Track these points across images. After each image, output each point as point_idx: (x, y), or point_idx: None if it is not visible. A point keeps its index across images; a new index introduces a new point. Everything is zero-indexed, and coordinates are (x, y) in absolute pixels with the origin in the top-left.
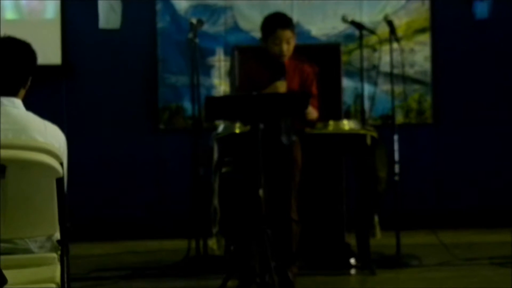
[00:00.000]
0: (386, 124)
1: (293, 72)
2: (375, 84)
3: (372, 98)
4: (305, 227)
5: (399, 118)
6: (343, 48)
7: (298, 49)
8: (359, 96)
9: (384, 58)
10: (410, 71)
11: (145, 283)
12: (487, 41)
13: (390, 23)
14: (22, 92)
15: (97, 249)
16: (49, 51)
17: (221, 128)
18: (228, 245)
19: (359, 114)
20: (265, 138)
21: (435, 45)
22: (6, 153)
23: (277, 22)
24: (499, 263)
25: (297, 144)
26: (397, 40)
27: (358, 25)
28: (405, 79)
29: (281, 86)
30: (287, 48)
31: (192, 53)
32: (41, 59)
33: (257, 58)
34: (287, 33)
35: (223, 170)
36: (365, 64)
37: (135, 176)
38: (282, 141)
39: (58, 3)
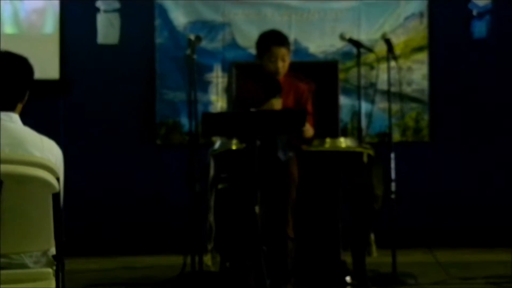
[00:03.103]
0: (382, 142)
1: (288, 90)
2: (372, 102)
3: (369, 116)
4: (301, 245)
5: (396, 136)
6: (340, 66)
7: (295, 66)
8: (356, 114)
9: (382, 76)
10: (407, 89)
11: None
12: (484, 60)
13: (388, 41)
14: (19, 106)
15: (93, 264)
16: (47, 65)
17: (217, 144)
18: (223, 261)
19: (356, 131)
20: (262, 155)
21: (433, 64)
22: (3, 168)
23: (272, 40)
24: (495, 283)
25: (294, 161)
26: (395, 58)
27: (356, 43)
28: (402, 97)
29: (277, 104)
30: (282, 65)
31: (190, 69)
32: (39, 74)
33: (252, 75)
34: (282, 51)
35: (219, 186)
36: (363, 81)
37: (131, 191)
38: (279, 157)
39: (57, 17)
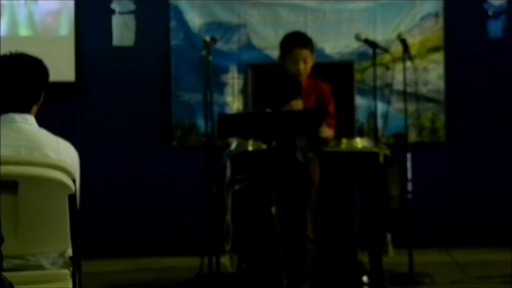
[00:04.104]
0: (399, 142)
1: (310, 91)
2: (388, 102)
3: (385, 117)
4: (318, 245)
5: (412, 137)
6: (356, 66)
7: (312, 67)
8: (372, 114)
9: (398, 76)
10: (423, 90)
11: None
12: (501, 60)
13: (403, 42)
14: (35, 108)
15: (110, 266)
16: (62, 68)
17: (234, 145)
18: (240, 262)
19: (372, 132)
20: (281, 156)
21: (449, 64)
22: (19, 169)
23: (294, 41)
24: (511, 282)
25: (315, 162)
26: (411, 58)
27: (372, 44)
28: (418, 97)
29: (296, 105)
30: (304, 67)
31: (206, 71)
32: (55, 76)
33: (273, 76)
34: (304, 52)
35: (236, 187)
36: (379, 82)
37: (147, 193)
38: (298, 158)
39: (72, 20)
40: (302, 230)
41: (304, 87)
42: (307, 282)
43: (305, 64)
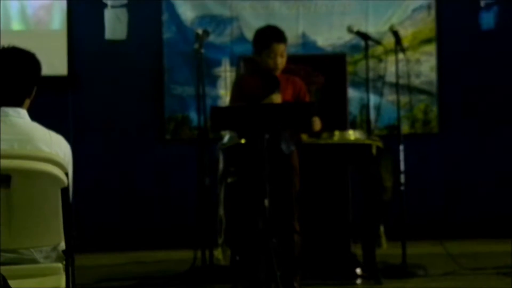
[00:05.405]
0: (392, 134)
1: (285, 85)
2: (381, 94)
3: (378, 108)
4: (311, 237)
5: (405, 128)
6: (349, 59)
7: (304, 59)
8: (365, 106)
9: (390, 68)
10: (416, 81)
11: None
12: (493, 51)
13: (395, 34)
14: (27, 102)
15: (103, 259)
16: (55, 61)
17: (226, 138)
18: (233, 255)
19: (365, 124)
20: (271, 148)
21: (441, 56)
22: (11, 163)
23: (272, 36)
24: (505, 273)
25: (295, 153)
26: (403, 50)
27: (364, 36)
28: (411, 89)
29: (276, 99)
30: (281, 62)
31: (198, 64)
32: (47, 70)
33: (251, 71)
34: (281, 47)
35: (229, 180)
36: (371, 74)
37: (141, 186)
38: (283, 149)
39: (65, 14)
40: (290, 222)
41: (279, 80)
42: (297, 274)
43: (282, 58)
